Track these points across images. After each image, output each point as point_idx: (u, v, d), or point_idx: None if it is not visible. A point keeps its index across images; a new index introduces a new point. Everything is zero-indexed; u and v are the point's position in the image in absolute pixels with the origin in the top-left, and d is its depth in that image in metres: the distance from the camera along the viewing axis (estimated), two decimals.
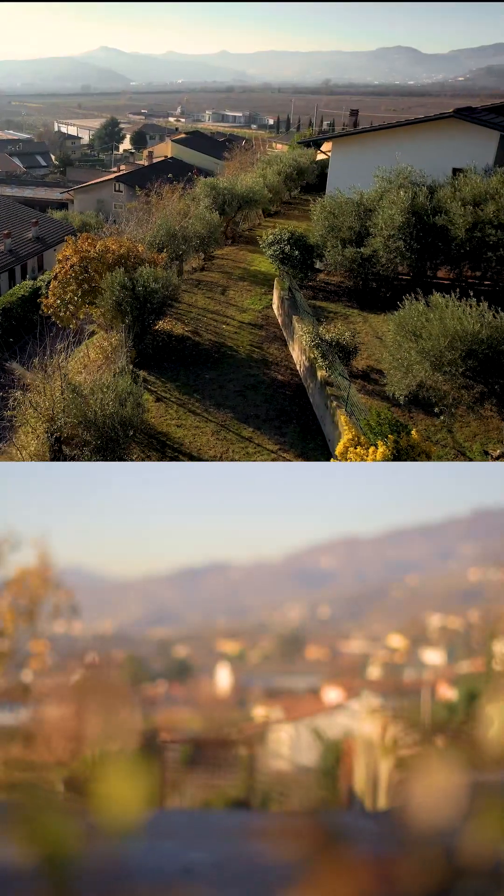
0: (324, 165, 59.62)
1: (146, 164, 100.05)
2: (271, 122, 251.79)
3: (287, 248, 30.49)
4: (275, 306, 31.85)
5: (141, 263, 26.38)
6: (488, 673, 15.81)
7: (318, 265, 32.54)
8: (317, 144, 48.85)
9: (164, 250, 30.49)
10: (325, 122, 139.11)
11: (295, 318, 26.75)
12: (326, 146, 42.03)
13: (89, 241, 27.24)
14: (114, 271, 25.09)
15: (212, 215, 35.22)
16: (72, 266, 26.26)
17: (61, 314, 26.68)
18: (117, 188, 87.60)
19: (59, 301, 26.49)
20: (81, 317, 27.04)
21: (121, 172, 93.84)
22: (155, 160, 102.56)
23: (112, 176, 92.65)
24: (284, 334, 29.10)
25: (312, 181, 58.00)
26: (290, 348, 27.63)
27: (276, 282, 31.85)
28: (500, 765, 9.99)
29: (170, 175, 66.36)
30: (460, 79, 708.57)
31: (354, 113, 40.16)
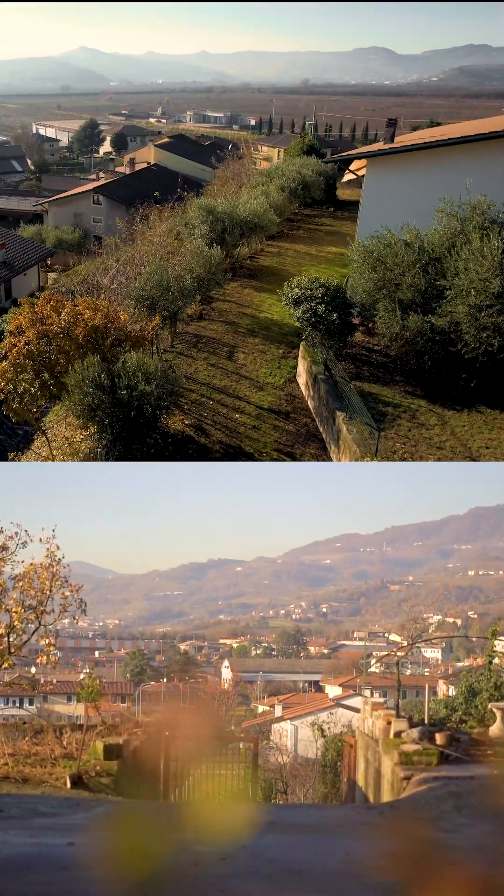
0: (329, 178, 54.24)
1: (127, 171, 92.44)
2: (253, 122, 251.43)
3: (321, 309, 23.26)
4: (302, 382, 24.88)
5: (125, 339, 20.01)
6: (488, 670, 16.02)
7: (354, 318, 25.29)
8: (344, 163, 39.87)
9: (156, 308, 24.63)
10: (308, 126, 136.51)
11: (340, 415, 20.11)
12: (357, 164, 35.14)
13: (52, 304, 19.88)
14: (85, 358, 18.27)
15: (211, 251, 29.05)
16: (27, 344, 19.05)
17: (14, 406, 19.47)
18: (96, 200, 79.12)
19: (10, 387, 19.28)
20: (42, 403, 20.13)
21: (100, 182, 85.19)
22: (137, 167, 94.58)
23: (90, 187, 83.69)
24: (321, 431, 22.19)
25: (319, 196, 52.23)
26: (333, 454, 20.78)
27: (302, 348, 25.05)
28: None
29: (156, 193, 61.40)
30: (434, 79, 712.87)
31: (392, 123, 31.68)
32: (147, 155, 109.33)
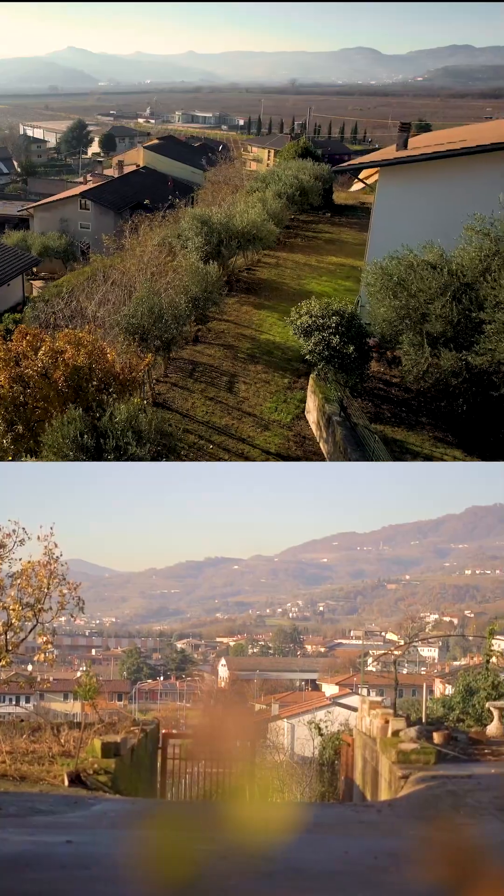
0: (325, 182, 51.83)
1: (116, 174, 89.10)
2: (242, 122, 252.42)
3: (336, 341, 20.46)
4: (312, 420, 22.31)
5: (113, 380, 16.96)
6: (486, 669, 16.04)
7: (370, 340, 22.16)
8: (354, 172, 36.85)
9: (148, 339, 22.31)
10: (297, 125, 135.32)
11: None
12: (366, 172, 32.52)
13: (29, 339, 17.03)
14: (66, 408, 15.59)
15: (208, 267, 26.82)
16: None
17: None
18: (83, 205, 76.02)
19: None
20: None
21: (88, 186, 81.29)
22: (126, 169, 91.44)
23: (78, 191, 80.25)
24: None
25: (317, 203, 50.05)
26: None
27: (312, 381, 22.61)
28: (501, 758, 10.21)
29: (146, 201, 58.91)
30: (419, 79, 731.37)
31: (406, 128, 28.59)
32: (136, 157, 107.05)
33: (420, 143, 28.61)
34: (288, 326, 22.93)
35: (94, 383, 16.50)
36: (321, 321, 20.90)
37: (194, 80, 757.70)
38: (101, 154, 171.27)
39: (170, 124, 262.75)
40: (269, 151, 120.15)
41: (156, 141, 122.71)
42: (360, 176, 34.55)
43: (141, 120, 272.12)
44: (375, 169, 27.72)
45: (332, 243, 45.44)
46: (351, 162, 32.29)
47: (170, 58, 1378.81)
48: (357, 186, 50.16)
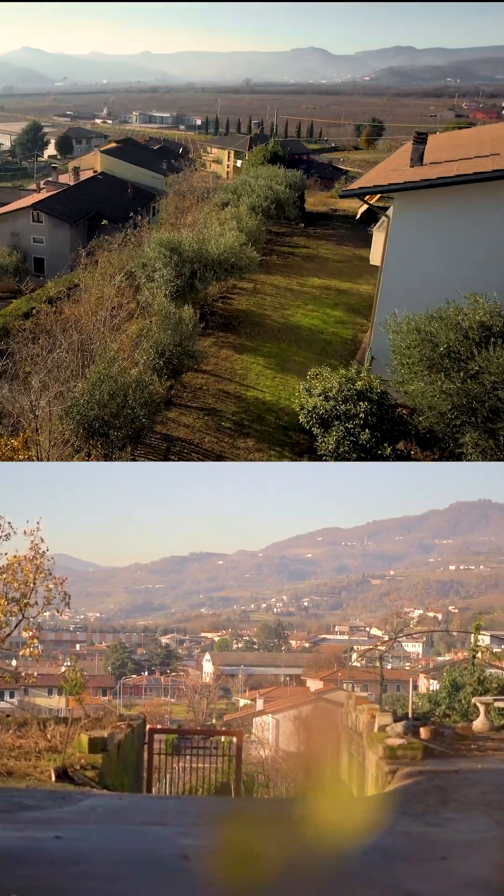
0: (298, 190, 48.31)
1: (71, 181, 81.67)
2: (199, 122, 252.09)
3: (365, 437, 15.83)
4: None
5: None
6: (472, 664, 16.11)
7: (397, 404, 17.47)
8: (360, 196, 26.31)
9: (109, 436, 16.91)
10: (254, 125, 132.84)
11: None
12: (374, 198, 27.92)
13: None
14: None
15: (181, 312, 22.57)
16: None
17: None
18: (36, 217, 67.70)
19: None
20: None
21: (41, 196, 72.55)
22: (82, 175, 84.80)
23: (30, 201, 71.72)
24: None
25: (293, 215, 46.45)
26: None
27: None
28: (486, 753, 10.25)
29: (103, 222, 53.72)
30: (367, 78, 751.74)
31: (421, 139, 23.17)
32: (93, 161, 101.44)
33: (431, 155, 23.30)
34: (278, 378, 20.55)
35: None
36: (343, 407, 16.17)
37: (150, 80, 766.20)
38: (58, 157, 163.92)
39: (127, 125, 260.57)
40: (229, 152, 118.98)
41: (114, 144, 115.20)
42: (369, 198, 27.52)
43: (98, 121, 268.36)
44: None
45: (310, 260, 42.94)
46: (360, 183, 24.79)
47: (126, 58, 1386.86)
48: (362, 209, 46.68)
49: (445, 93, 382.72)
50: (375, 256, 27.46)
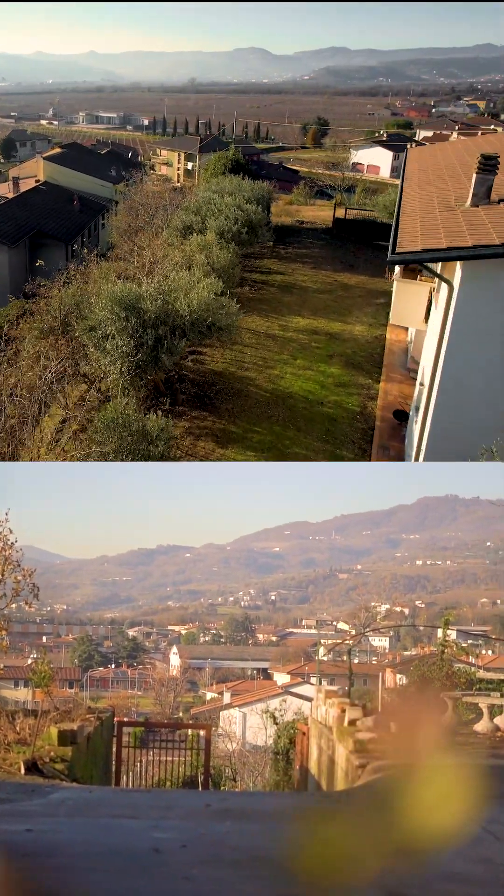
0: (265, 204, 42.02)
1: (11, 193, 70.68)
2: (147, 122, 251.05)
3: None
4: None
5: None
6: (440, 659, 16.23)
7: None
8: (402, 263, 18.60)
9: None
10: (202, 124, 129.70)
11: None
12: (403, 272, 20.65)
13: None
14: None
15: (149, 420, 17.64)
16: None
17: None
18: None
19: None
20: None
21: None
22: (23, 185, 74.45)
23: None
24: None
25: (267, 239, 40.40)
26: None
27: None
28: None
29: (40, 262, 45.08)
30: (306, 77, 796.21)
31: (490, 166, 14.47)
32: (34, 169, 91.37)
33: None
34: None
35: None
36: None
37: (96, 79, 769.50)
38: (0, 159, 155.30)
39: (74, 125, 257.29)
40: (179, 154, 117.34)
41: (58, 150, 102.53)
42: (399, 274, 21.01)
43: (44, 121, 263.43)
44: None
45: (288, 291, 37.36)
46: (407, 239, 14.79)
47: (71, 57, 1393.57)
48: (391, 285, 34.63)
49: (379, 92, 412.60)
50: (403, 317, 21.57)
